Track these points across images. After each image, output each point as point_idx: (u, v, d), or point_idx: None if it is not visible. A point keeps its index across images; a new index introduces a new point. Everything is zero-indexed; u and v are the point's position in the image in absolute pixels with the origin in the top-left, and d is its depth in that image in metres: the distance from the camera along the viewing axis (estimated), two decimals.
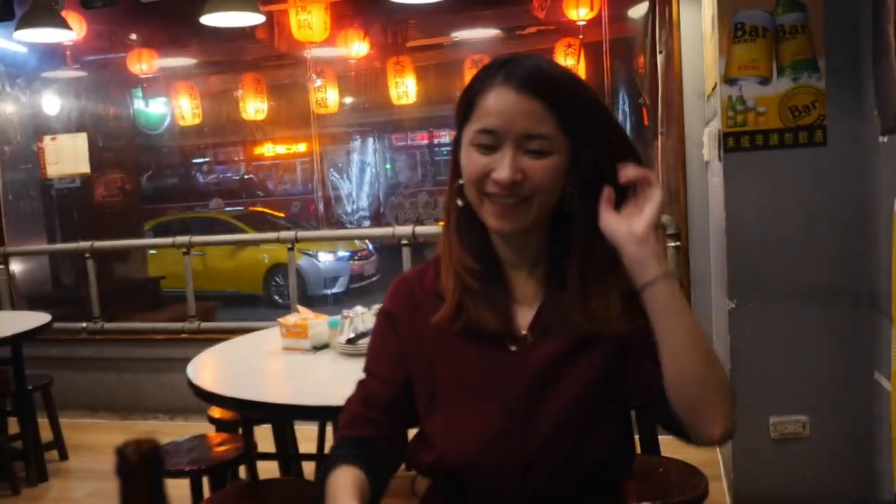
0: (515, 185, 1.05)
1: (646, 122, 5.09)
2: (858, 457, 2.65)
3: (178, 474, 2.39)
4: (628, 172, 1.04)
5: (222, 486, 2.49)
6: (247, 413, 2.43)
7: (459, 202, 1.14)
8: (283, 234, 4.33)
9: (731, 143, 2.71)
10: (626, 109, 6.48)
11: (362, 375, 1.20)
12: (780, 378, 2.71)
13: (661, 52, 3.72)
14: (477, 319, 1.10)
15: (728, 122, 2.70)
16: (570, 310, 1.09)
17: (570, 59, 5.54)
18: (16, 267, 5.04)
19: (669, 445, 3.19)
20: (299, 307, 2.65)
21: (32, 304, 4.94)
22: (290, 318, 2.52)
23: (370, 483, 1.06)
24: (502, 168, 1.05)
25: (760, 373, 2.73)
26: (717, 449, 3.34)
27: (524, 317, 1.14)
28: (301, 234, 4.32)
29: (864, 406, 2.63)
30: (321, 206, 8.52)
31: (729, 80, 2.68)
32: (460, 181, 1.13)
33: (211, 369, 2.42)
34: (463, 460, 1.09)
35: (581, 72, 5.53)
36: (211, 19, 3.61)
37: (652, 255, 1.02)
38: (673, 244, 3.62)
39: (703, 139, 3.31)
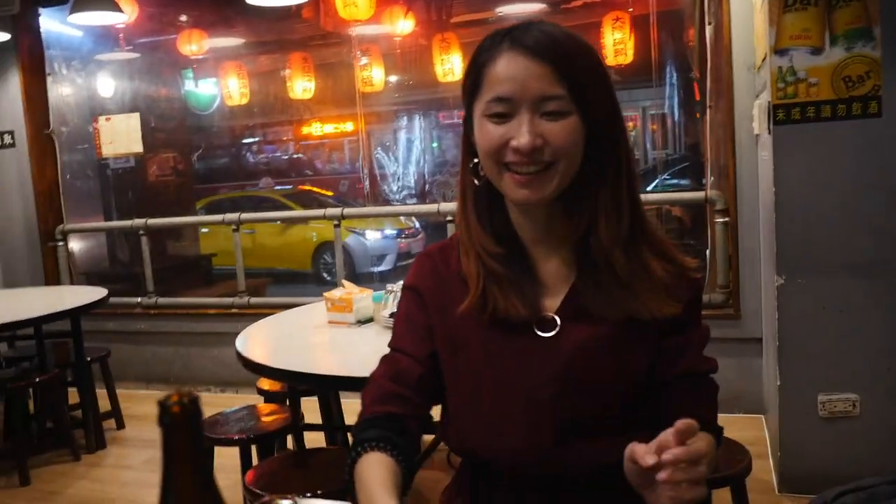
0: (536, 151, 1.01)
1: (697, 97, 4.99)
2: None
3: (227, 443, 2.46)
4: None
5: (270, 454, 2.56)
6: (293, 383, 2.49)
7: (476, 182, 1.10)
8: (330, 210, 4.38)
9: (781, 115, 2.65)
10: (675, 83, 6.36)
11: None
12: (829, 355, 2.67)
13: (709, 24, 3.63)
14: (505, 308, 1.06)
15: (778, 93, 2.64)
16: (608, 291, 1.04)
17: (618, 32, 5.43)
18: (75, 245, 5.21)
19: None
20: (344, 282, 2.70)
21: (91, 280, 5.10)
22: (336, 293, 2.56)
23: (401, 469, 1.02)
24: (521, 134, 1.00)
25: (809, 350, 2.68)
26: (765, 426, 3.30)
27: (552, 300, 1.09)
28: (347, 210, 4.36)
29: None
30: (367, 184, 8.59)
31: (779, 50, 2.62)
32: (475, 160, 1.09)
33: (259, 342, 2.48)
34: (484, 447, 1.08)
35: (629, 46, 5.42)
36: None
37: None
38: (722, 220, 3.57)
39: (753, 112, 3.24)
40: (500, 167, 1.04)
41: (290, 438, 2.81)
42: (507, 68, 1.01)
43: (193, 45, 5.91)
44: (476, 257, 1.09)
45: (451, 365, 1.11)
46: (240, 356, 2.23)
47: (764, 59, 2.81)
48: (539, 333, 1.07)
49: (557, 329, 1.07)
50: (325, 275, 8.87)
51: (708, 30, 3.67)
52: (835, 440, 2.67)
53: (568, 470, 1.05)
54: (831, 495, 1.14)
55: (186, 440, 0.58)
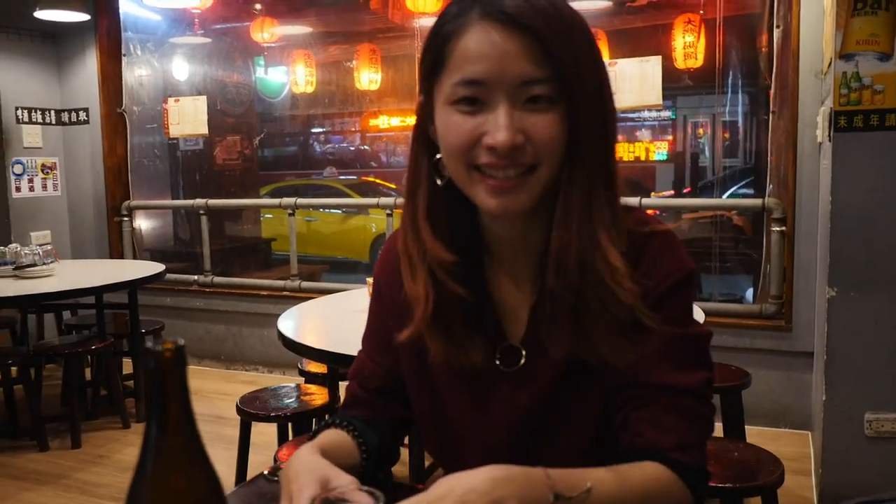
0: (516, 151, 0.81)
1: (770, 105, 4.87)
2: None
3: (264, 418, 2.52)
4: None
5: (306, 432, 2.61)
6: (328, 363, 2.54)
7: (438, 181, 0.90)
8: (383, 199, 4.44)
9: (843, 122, 2.57)
10: (743, 89, 6.22)
11: None
12: (879, 372, 2.58)
13: (778, 27, 3.54)
14: (456, 357, 0.92)
15: (841, 99, 2.56)
16: (559, 323, 0.86)
17: (689, 35, 5.35)
18: (143, 223, 5.41)
19: (757, 436, 3.09)
20: None
21: (154, 257, 5.27)
22: None
23: (359, 446, 0.95)
24: (497, 129, 0.80)
25: (858, 366, 2.60)
26: (810, 442, 3.20)
27: (517, 325, 0.94)
28: (400, 200, 4.40)
29: None
30: None
31: (845, 55, 2.54)
32: (437, 156, 0.89)
33: (300, 322, 2.54)
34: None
35: (700, 49, 5.33)
36: None
37: None
38: (778, 229, 3.48)
39: (818, 119, 3.15)
40: (470, 170, 0.85)
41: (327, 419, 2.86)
42: (479, 43, 0.81)
43: (265, 32, 6.05)
44: (427, 275, 0.90)
45: (411, 383, 1.01)
46: (281, 335, 2.28)
47: (829, 64, 2.73)
48: (502, 368, 0.93)
49: (521, 364, 0.93)
50: None
51: (776, 33, 3.57)
52: (880, 460, 2.58)
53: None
54: None
55: (171, 386, 0.61)
